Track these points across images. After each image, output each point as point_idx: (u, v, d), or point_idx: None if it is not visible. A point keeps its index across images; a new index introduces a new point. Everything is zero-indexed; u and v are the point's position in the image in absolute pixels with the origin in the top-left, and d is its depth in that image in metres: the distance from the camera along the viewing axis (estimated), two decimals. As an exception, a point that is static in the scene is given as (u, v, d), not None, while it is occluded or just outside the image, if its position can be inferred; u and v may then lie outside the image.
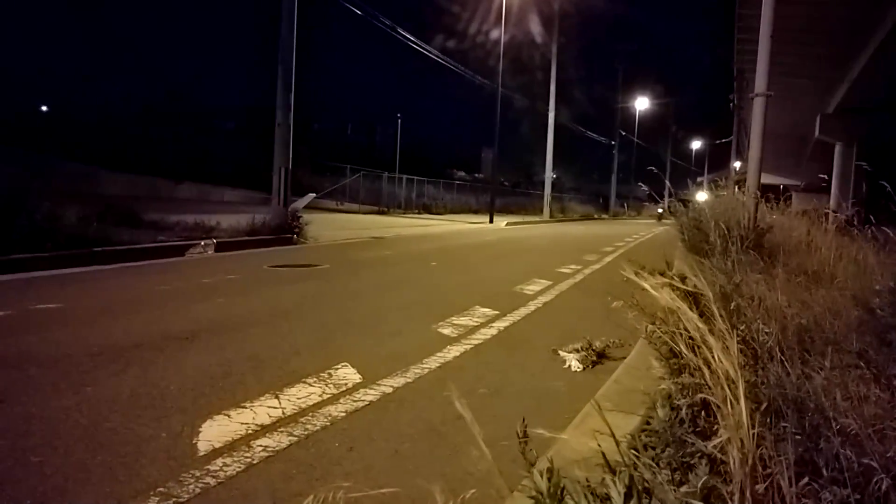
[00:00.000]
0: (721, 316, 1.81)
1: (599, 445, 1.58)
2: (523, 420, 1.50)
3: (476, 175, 56.66)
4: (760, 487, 1.45)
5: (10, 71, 37.58)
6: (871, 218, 6.16)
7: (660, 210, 37.38)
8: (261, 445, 2.56)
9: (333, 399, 3.14)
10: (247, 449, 2.52)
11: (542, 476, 1.31)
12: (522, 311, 5.79)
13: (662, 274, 4.39)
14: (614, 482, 1.30)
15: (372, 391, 3.30)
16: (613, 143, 51.93)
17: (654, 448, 1.89)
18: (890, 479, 1.63)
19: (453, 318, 5.26)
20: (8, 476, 2.25)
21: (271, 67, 13.00)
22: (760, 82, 8.15)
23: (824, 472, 1.69)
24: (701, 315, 2.27)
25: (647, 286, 1.98)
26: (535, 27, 36.05)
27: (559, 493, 1.28)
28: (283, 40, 12.79)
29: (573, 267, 9.76)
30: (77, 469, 2.31)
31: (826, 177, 23.00)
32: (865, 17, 15.04)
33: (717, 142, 51.34)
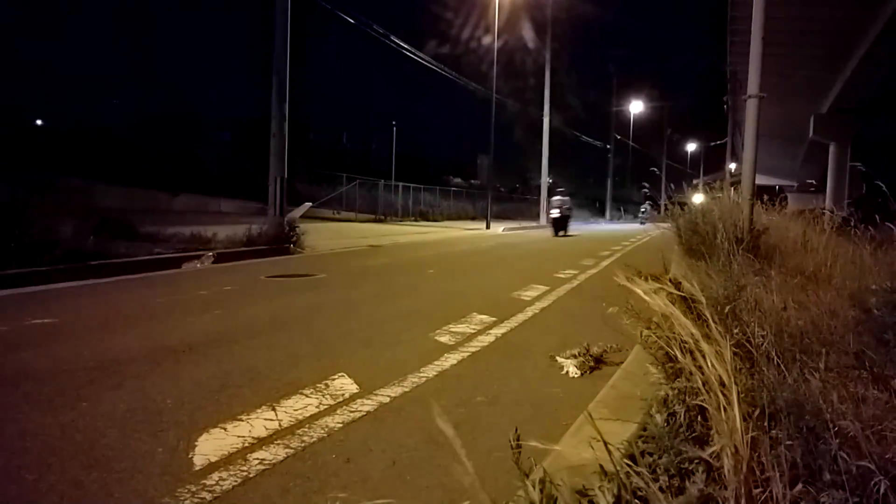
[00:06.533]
0: (714, 321, 1.80)
1: (596, 455, 1.57)
2: (516, 430, 1.49)
3: (472, 181, 56.68)
4: (757, 493, 1.44)
5: (4, 86, 37.59)
6: (868, 217, 6.18)
7: (643, 210, 32.59)
8: (257, 458, 2.54)
9: (330, 410, 3.13)
10: (243, 462, 2.50)
11: (534, 487, 1.30)
12: (520, 318, 5.78)
13: (659, 278, 4.39)
14: (603, 492, 1.29)
15: (369, 401, 3.28)
16: (609, 146, 52.07)
17: (651, 455, 1.88)
18: (888, 481, 1.62)
19: (451, 325, 5.25)
20: (2, 494, 2.23)
21: (266, 78, 13.04)
22: (753, 84, 8.18)
23: (822, 475, 1.68)
24: (698, 318, 2.27)
25: (639, 291, 1.97)
26: (530, 33, 36.25)
27: (551, 503, 1.27)
28: (277, 50, 12.81)
29: (570, 272, 9.76)
30: (72, 486, 2.29)
31: (816, 181, 23.10)
32: (857, 18, 15.13)
33: (713, 144, 51.62)
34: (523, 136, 50.09)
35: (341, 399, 3.30)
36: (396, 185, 34.22)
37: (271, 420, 2.97)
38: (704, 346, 1.50)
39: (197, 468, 2.44)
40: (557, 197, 24.46)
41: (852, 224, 6.01)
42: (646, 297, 1.75)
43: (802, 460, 1.69)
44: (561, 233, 23.09)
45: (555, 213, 23.82)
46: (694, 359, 1.59)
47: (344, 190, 31.26)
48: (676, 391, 2.30)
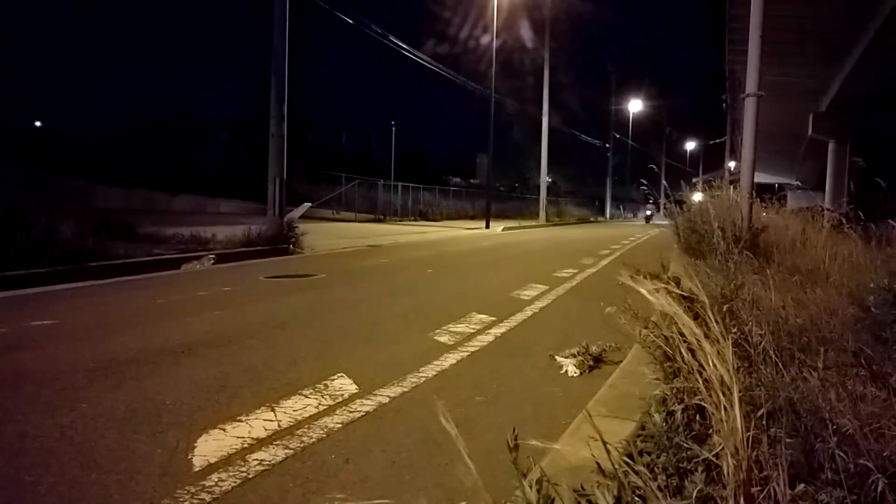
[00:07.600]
0: (717, 321, 1.80)
1: (594, 454, 1.57)
2: (514, 430, 1.49)
3: (472, 181, 56.52)
4: (756, 492, 1.44)
5: (3, 87, 37.53)
6: (866, 214, 6.18)
7: (647, 212, 41.67)
8: (256, 459, 2.54)
9: (330, 410, 3.13)
10: (242, 463, 2.50)
11: (531, 487, 1.30)
12: (519, 317, 5.79)
13: (658, 277, 4.40)
14: (601, 491, 1.29)
15: (368, 401, 3.28)
16: (608, 145, 52.05)
17: (649, 454, 1.88)
18: (886, 479, 1.62)
19: (450, 325, 5.26)
20: (2, 496, 2.23)
21: (264, 78, 13.02)
22: (751, 83, 8.19)
23: (820, 474, 1.68)
24: (696, 317, 2.27)
25: (643, 291, 1.98)
26: (528, 32, 36.26)
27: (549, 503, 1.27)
28: (276, 50, 12.80)
29: (570, 271, 9.76)
30: (71, 488, 2.29)
31: (815, 179, 23.05)
32: (856, 15, 15.10)
33: (712, 142, 51.80)
34: (522, 136, 50.16)
35: (340, 399, 3.30)
36: (396, 185, 34.13)
37: (270, 420, 2.97)
38: (706, 345, 1.50)
39: (196, 469, 2.44)
40: (650, 203, 44.62)
41: (850, 221, 6.01)
42: (650, 297, 1.75)
43: (801, 459, 1.69)
44: (649, 223, 39.91)
45: (647, 212, 44.85)
46: (694, 358, 1.59)
47: (343, 190, 31.20)
48: (675, 390, 2.30)
